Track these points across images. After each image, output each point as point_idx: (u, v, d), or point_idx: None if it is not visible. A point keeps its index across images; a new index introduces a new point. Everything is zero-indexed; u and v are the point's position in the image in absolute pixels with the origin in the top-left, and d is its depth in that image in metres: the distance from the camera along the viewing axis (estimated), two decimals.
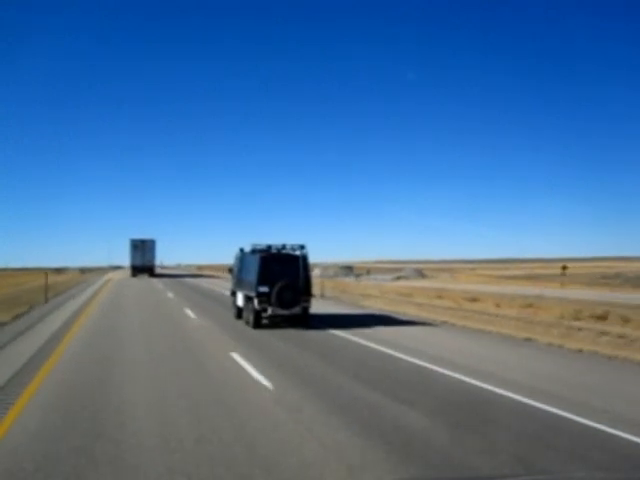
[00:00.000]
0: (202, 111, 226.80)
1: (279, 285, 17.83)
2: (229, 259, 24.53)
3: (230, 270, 22.43)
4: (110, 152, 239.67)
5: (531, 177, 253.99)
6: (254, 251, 19.32)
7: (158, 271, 72.61)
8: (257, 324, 18.29)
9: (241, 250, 21.13)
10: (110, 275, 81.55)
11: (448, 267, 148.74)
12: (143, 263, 66.86)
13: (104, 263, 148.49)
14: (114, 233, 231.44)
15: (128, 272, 71.63)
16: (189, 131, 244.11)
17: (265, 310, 18.10)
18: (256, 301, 18.05)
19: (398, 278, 73.07)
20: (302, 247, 18.68)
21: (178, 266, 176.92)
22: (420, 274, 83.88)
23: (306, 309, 18.48)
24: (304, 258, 18.55)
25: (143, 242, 67.22)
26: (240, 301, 20.37)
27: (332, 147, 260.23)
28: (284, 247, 18.88)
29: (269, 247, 18.88)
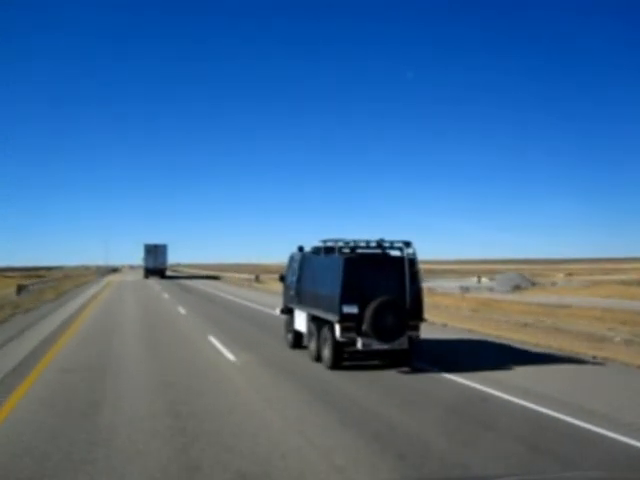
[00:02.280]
0: (197, 109, 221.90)
1: (376, 304, 11.31)
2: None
3: (282, 278, 15.79)
4: (109, 151, 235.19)
5: (531, 177, 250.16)
6: (329, 250, 12.82)
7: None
8: (337, 363, 11.77)
9: (300, 249, 14.57)
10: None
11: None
12: (155, 266, 70.48)
13: (100, 262, 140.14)
14: (112, 233, 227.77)
15: (127, 277, 77.87)
16: (185, 130, 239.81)
17: (352, 342, 11.55)
18: (338, 328, 11.52)
19: (517, 288, 50.65)
20: (407, 244, 12.08)
21: (178, 265, 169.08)
22: (525, 281, 57.28)
23: (413, 341, 11.92)
24: (412, 262, 11.99)
25: (156, 247, 70.88)
26: (301, 324, 13.82)
27: (331, 146, 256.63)
28: (380, 245, 12.27)
29: (354, 244, 12.27)
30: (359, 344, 11.44)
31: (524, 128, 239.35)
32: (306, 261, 13.90)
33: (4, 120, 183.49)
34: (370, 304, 11.35)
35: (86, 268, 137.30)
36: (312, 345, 12.92)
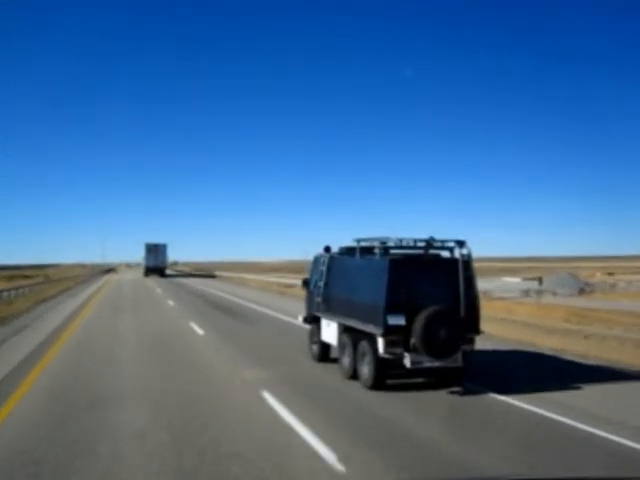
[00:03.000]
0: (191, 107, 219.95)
1: (427, 314, 9.59)
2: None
3: (305, 283, 14.02)
4: (108, 150, 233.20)
5: (530, 176, 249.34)
6: (367, 251, 11.10)
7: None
8: (379, 382, 10.06)
9: (326, 250, 12.81)
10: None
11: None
12: (156, 264, 72.12)
13: (97, 260, 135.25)
14: (109, 231, 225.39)
15: (125, 276, 75.87)
16: (184, 128, 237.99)
17: (398, 359, 9.82)
18: (381, 342, 9.78)
19: (582, 291, 42.41)
20: (461, 244, 10.34)
21: (175, 263, 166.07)
22: (580, 283, 46.63)
23: (467, 356, 10.19)
24: (466, 264, 10.25)
25: (156, 246, 72.61)
26: (330, 335, 12.08)
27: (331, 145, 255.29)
28: (429, 244, 10.51)
29: (398, 243, 10.45)
30: (407, 361, 9.70)
31: (524, 127, 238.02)
32: (336, 263, 12.15)
33: (4, 119, 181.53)
34: (420, 314, 9.62)
35: (83, 266, 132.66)
36: (345, 360, 11.18)
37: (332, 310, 11.98)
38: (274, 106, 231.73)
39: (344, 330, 11.35)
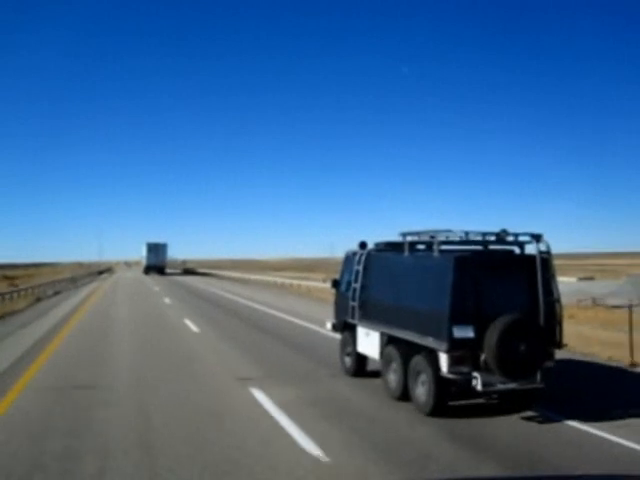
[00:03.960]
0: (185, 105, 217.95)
1: (503, 324, 7.74)
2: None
3: (335, 284, 12.13)
4: (107, 149, 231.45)
5: (529, 175, 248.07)
6: (418, 246, 9.28)
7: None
8: (439, 407, 8.21)
9: (362, 246, 10.95)
10: None
11: None
12: (156, 263, 73.76)
13: (95, 258, 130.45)
14: (106, 229, 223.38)
15: (123, 280, 69.95)
16: (184, 126, 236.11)
17: (465, 380, 7.96)
18: (445, 359, 7.93)
19: None
20: (538, 238, 8.44)
21: (184, 263, 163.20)
22: None
23: (547, 375, 8.32)
24: (545, 262, 8.37)
25: (157, 245, 74.54)
26: (369, 346, 10.22)
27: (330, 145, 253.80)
28: (500, 238, 8.57)
29: (461, 238, 8.56)
30: (477, 382, 7.83)
31: (521, 127, 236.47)
32: (376, 262, 10.29)
33: (2, 117, 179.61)
34: (493, 324, 7.77)
35: (80, 265, 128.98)
36: (390, 377, 9.33)
37: (372, 317, 10.12)
38: (273, 104, 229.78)
39: (389, 341, 9.50)
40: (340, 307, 11.63)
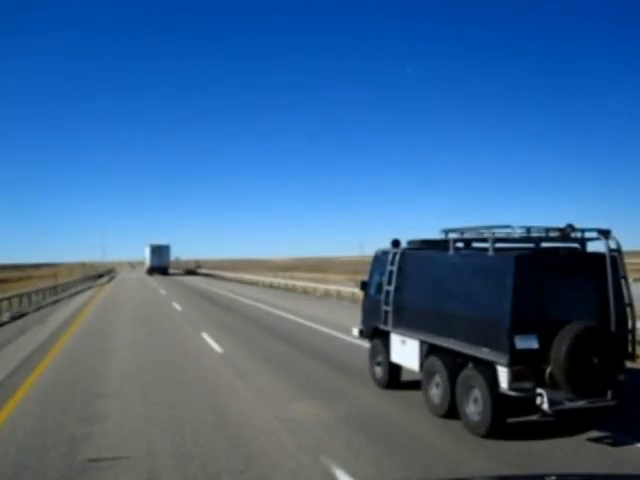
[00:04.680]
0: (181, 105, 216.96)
1: (573, 333, 6.74)
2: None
3: (364, 285, 11.11)
4: (108, 149, 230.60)
5: (526, 175, 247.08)
6: (470, 244, 8.31)
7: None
8: (496, 427, 7.18)
9: (395, 244, 9.92)
10: None
11: None
12: (160, 264, 75.35)
13: (98, 258, 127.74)
14: (110, 229, 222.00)
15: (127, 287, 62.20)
16: (183, 125, 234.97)
17: (528, 397, 6.94)
18: (505, 374, 6.91)
19: None
20: (605, 233, 7.41)
21: (198, 264, 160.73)
22: None
23: (618, 391, 7.29)
24: (614, 261, 7.35)
25: (160, 247, 76.17)
26: (406, 356, 9.21)
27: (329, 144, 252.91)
28: (565, 234, 7.56)
29: (526, 232, 7.52)
30: (543, 401, 6.80)
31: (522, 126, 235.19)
32: (414, 261, 9.27)
33: (5, 118, 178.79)
34: (562, 333, 6.77)
35: (83, 265, 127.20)
36: (433, 392, 8.33)
37: (409, 323, 9.10)
38: (273, 104, 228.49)
39: (431, 351, 8.49)
40: (369, 312, 10.63)
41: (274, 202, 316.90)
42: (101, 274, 76.41)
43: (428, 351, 8.60)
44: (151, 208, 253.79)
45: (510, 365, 6.84)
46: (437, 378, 8.27)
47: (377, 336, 10.27)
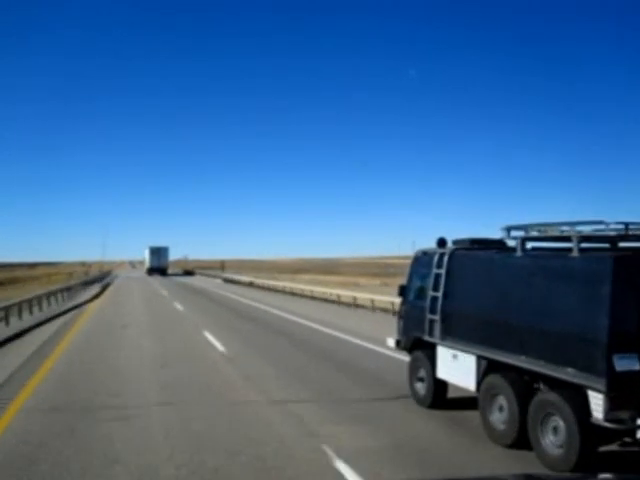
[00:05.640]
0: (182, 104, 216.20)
1: None
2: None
3: (402, 291, 9.81)
4: (109, 148, 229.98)
5: (528, 174, 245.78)
6: (525, 242, 7.06)
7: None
8: (585, 462, 5.87)
9: (441, 243, 8.70)
10: None
11: None
12: (159, 265, 77.16)
13: (98, 257, 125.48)
14: (111, 228, 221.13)
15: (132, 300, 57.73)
16: (183, 125, 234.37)
17: (629, 429, 5.68)
18: (602, 402, 5.64)
19: None
20: None
21: (223, 266, 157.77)
22: None
23: None
24: None
25: (159, 249, 77.92)
26: (457, 372, 7.95)
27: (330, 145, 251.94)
28: None
29: (622, 229, 6.18)
30: None
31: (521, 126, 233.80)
32: (467, 264, 8.01)
33: (5, 118, 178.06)
34: None
35: (83, 264, 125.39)
36: (496, 417, 7.07)
37: (461, 335, 7.84)
38: (273, 103, 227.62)
39: (492, 368, 7.24)
40: (409, 320, 9.35)
41: (274, 202, 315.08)
42: (90, 281, 49.95)
43: (487, 368, 7.34)
44: (152, 208, 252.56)
45: (608, 391, 5.58)
46: (501, 400, 7.02)
47: (419, 348, 9.00)
